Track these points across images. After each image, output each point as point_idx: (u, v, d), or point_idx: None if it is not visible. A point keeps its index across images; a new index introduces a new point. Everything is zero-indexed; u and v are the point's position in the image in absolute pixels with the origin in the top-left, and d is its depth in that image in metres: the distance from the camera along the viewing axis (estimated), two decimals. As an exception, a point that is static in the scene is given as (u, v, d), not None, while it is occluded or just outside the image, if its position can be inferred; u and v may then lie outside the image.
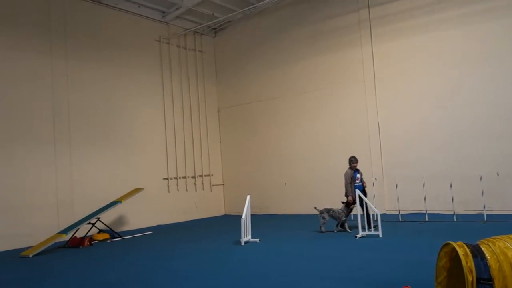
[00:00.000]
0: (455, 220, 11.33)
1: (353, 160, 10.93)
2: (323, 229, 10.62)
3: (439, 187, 12.43)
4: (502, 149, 11.95)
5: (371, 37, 14.49)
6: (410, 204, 13.10)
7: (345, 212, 10.63)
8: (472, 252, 3.94)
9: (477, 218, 11.33)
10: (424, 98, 13.45)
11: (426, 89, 13.43)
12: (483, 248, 4.01)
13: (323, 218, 10.61)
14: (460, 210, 11.99)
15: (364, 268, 6.76)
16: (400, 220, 12.16)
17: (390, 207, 13.67)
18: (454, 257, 4.35)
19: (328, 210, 10.68)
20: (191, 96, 17.30)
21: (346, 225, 10.73)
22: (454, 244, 4.08)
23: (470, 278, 3.76)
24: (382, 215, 11.07)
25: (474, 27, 12.62)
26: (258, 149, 17.36)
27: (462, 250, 3.96)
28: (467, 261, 3.84)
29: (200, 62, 17.88)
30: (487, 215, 11.10)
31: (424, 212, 12.16)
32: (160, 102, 16.15)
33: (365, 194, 10.60)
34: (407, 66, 13.83)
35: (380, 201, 13.37)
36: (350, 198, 10.63)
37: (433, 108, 13.26)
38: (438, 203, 12.63)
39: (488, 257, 3.88)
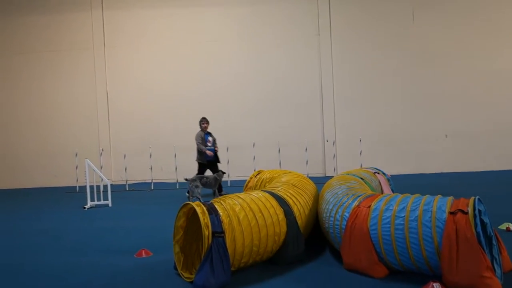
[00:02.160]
0: (177, 187, 12.22)
1: (203, 121, 10.21)
2: (199, 196, 9.18)
3: (163, 158, 13.17)
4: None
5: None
6: (136, 174, 13.40)
7: (220, 178, 9.76)
8: (208, 210, 4.33)
9: (196, 185, 12.54)
10: (153, 73, 13.87)
11: (155, 64, 13.89)
12: (216, 206, 4.47)
13: (196, 186, 9.21)
14: (181, 179, 13.01)
15: (99, 237, 6.55)
16: (127, 189, 12.29)
17: (117, 177, 13.65)
18: (190, 216, 4.70)
19: (200, 178, 9.43)
20: None
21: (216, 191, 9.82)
22: (193, 204, 4.39)
23: (206, 233, 4.13)
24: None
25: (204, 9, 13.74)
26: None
27: (200, 208, 4.30)
28: (204, 218, 4.21)
29: None
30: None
31: (150, 181, 12.65)
32: None
33: (217, 159, 10.26)
34: (138, 35, 13.93)
35: (108, 171, 13.18)
36: (208, 152, 9.89)
37: (162, 83, 13.84)
38: (162, 172, 13.37)
39: (221, 213, 4.36)
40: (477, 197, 4.03)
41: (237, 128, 13.62)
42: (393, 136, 13.46)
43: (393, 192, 6.93)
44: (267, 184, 6.83)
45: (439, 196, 4.27)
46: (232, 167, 12.61)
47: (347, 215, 4.59)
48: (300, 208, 5.20)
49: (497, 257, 4.09)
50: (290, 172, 6.98)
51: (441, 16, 13.47)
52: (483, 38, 13.35)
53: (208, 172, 10.01)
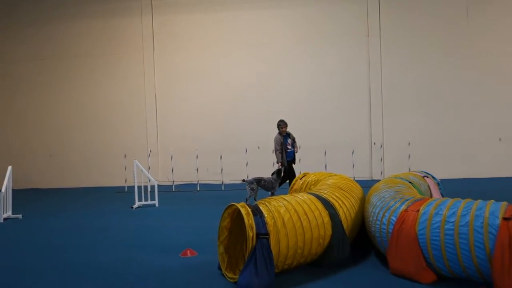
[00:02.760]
0: (223, 189, 12.39)
1: (281, 124, 9.84)
2: (255, 198, 8.94)
3: (210, 159, 13.40)
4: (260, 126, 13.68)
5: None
6: (183, 175, 13.71)
7: (277, 180, 9.52)
8: (252, 211, 4.37)
9: (241, 186, 12.65)
10: (202, 76, 14.18)
11: (204, 67, 14.18)
12: (261, 207, 4.51)
13: (252, 189, 9.07)
14: (227, 180, 13.19)
15: (146, 236, 6.76)
16: (173, 190, 12.59)
17: (164, 178, 14.02)
18: (235, 217, 4.76)
19: (258, 180, 9.27)
20: None
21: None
22: (238, 205, 4.45)
23: (251, 234, 4.18)
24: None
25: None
26: (20, 115, 15.29)
27: (244, 210, 4.36)
28: (249, 219, 4.25)
29: None
30: (249, 184, 12.55)
31: (196, 182, 12.90)
32: None
33: (294, 160, 10.01)
34: (188, 40, 14.28)
35: (155, 172, 13.57)
36: (280, 164, 9.67)
37: (211, 86, 14.12)
38: (208, 174, 13.60)
39: (266, 215, 4.39)
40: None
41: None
42: (443, 139, 13.01)
43: (443, 197, 6.72)
44: (312, 186, 6.80)
45: (492, 201, 4.11)
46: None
47: (394, 219, 4.50)
48: (346, 211, 5.14)
49: (555, 266, 3.87)
50: (336, 175, 6.92)
51: (497, 13, 12.91)
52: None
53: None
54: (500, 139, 12.90)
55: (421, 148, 12.74)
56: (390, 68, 13.32)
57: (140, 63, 14.38)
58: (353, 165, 12.10)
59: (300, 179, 7.46)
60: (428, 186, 6.83)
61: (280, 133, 9.80)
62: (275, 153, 9.80)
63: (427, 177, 7.06)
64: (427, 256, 4.14)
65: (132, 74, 14.49)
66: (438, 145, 12.95)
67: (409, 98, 13.22)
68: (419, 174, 7.12)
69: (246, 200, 8.80)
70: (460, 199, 4.35)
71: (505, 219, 3.77)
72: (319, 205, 4.87)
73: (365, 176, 13.12)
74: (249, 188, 9.07)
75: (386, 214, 4.64)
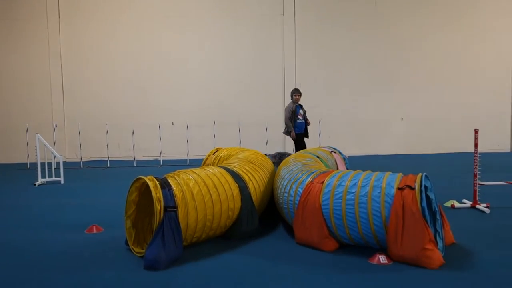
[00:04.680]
0: (135, 165, 12.01)
1: (295, 93, 9.48)
2: None
3: (121, 135, 12.89)
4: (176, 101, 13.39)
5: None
6: (92, 151, 13.07)
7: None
8: (161, 184, 4.27)
9: (154, 163, 12.38)
10: (114, 46, 13.46)
11: (116, 37, 13.45)
12: (169, 180, 4.42)
13: (274, 163, 8.42)
14: (139, 157, 12.81)
15: (49, 214, 6.35)
16: (82, 167, 11.96)
17: (71, 155, 13.27)
18: (143, 191, 4.63)
19: (282, 155, 8.94)
20: None
21: None
22: (145, 178, 4.32)
23: (158, 207, 4.08)
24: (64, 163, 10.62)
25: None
26: None
27: (152, 183, 4.24)
28: (157, 192, 4.15)
29: None
30: (162, 160, 12.29)
31: (106, 159, 12.37)
32: None
33: (307, 134, 9.57)
34: (97, 7, 13.42)
35: (61, 148, 12.79)
36: (292, 133, 9.26)
37: (124, 57, 13.45)
38: (120, 150, 13.10)
39: (174, 188, 4.31)
40: (424, 173, 4.17)
41: (197, 106, 13.47)
42: (352, 118, 13.69)
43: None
44: (224, 161, 6.82)
45: (389, 172, 4.39)
46: (192, 145, 12.53)
47: (300, 190, 4.64)
48: (256, 184, 5.22)
49: (440, 231, 4.26)
50: (248, 150, 6.99)
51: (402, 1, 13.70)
52: (445, 22, 13.67)
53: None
54: (402, 119, 13.85)
55: (332, 126, 13.29)
56: (304, 48, 13.62)
57: (44, 29, 13.27)
58: (267, 142, 12.33)
59: (213, 154, 7.45)
60: (335, 160, 7.15)
61: (293, 102, 9.45)
62: (285, 121, 9.40)
63: (334, 152, 7.38)
64: (330, 225, 4.35)
65: (36, 41, 13.34)
66: (347, 123, 13.60)
67: (321, 77, 13.67)
68: (327, 149, 7.42)
69: None
70: (361, 171, 4.60)
71: (399, 189, 4.05)
72: (229, 178, 4.88)
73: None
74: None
75: (294, 186, 4.77)
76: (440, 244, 4.19)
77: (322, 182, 4.50)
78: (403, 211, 3.94)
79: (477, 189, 6.09)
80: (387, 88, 13.78)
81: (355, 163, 9.71)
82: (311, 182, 4.60)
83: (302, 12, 13.58)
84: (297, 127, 9.35)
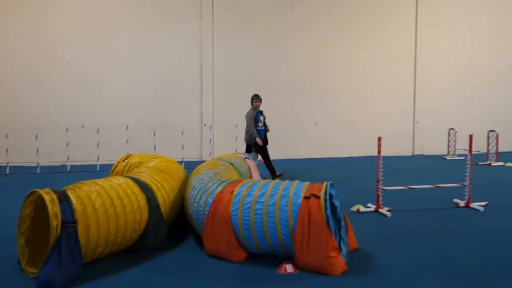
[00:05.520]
0: (38, 172, 11.18)
1: (255, 99, 9.30)
2: None
3: (23, 139, 11.96)
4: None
5: None
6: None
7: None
8: (58, 198, 3.96)
9: (61, 169, 11.62)
10: (22, 40, 12.45)
11: (24, 32, 12.46)
12: (69, 193, 4.12)
13: None
14: (45, 162, 11.96)
15: None
16: (-24, 174, 10.89)
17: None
18: (39, 205, 4.27)
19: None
20: None
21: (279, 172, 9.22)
22: (41, 191, 3.99)
23: (55, 223, 3.78)
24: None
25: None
26: None
27: (48, 196, 3.92)
28: (53, 207, 3.84)
29: None
30: (70, 165, 11.57)
31: (5, 164, 11.38)
32: None
33: (266, 141, 9.41)
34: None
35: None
36: (258, 139, 9.05)
37: (22, 54, 12.49)
38: (22, 155, 12.13)
39: (74, 201, 4.02)
40: (330, 182, 4.29)
41: (109, 109, 12.88)
42: (269, 122, 13.87)
43: (262, 177, 7.15)
44: (135, 169, 6.54)
45: (297, 181, 4.46)
46: (102, 150, 11.94)
47: (210, 200, 4.57)
48: (165, 194, 5.06)
49: (344, 237, 4.42)
50: (160, 157, 6.77)
51: (318, 6, 14.15)
52: (358, 30, 14.38)
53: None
54: (315, 124, 14.33)
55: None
56: (222, 51, 13.60)
57: None
58: (183, 146, 12.11)
59: (123, 160, 7.12)
60: (249, 167, 7.19)
61: (253, 108, 9.36)
62: (250, 129, 9.24)
63: (248, 158, 7.42)
64: (239, 236, 4.32)
65: None
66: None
67: (239, 81, 13.72)
68: (241, 155, 7.43)
69: None
70: (270, 180, 4.63)
71: (305, 197, 4.12)
72: (136, 189, 4.68)
73: (195, 157, 13.27)
74: None
75: (203, 196, 4.69)
76: (344, 251, 4.34)
77: (232, 192, 4.47)
78: (309, 220, 4.02)
79: (380, 194, 6.43)
80: (303, 92, 14.19)
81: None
82: (221, 191, 4.55)
83: (220, 15, 13.54)
84: (258, 134, 9.30)
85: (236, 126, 12.32)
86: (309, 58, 14.21)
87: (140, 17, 13.17)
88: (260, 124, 9.36)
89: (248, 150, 9.46)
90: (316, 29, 14.22)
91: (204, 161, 10.98)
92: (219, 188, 4.62)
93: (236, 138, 12.38)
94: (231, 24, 13.68)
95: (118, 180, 4.73)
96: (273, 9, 13.93)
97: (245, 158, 7.39)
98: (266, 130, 9.54)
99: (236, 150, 11.90)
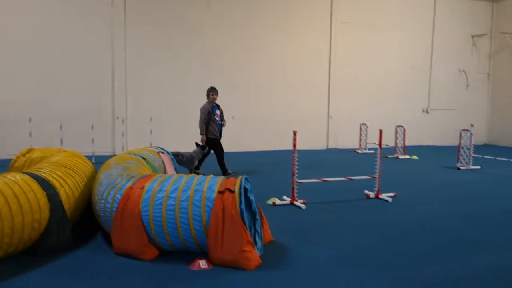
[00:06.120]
0: None
1: (212, 91, 8.95)
2: None
3: None
4: None
5: None
6: None
7: (199, 155, 8.58)
8: None
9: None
10: None
11: None
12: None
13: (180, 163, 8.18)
14: None
15: None
16: None
17: None
18: None
19: (175, 155, 7.99)
20: None
21: (199, 171, 8.70)
22: None
23: None
24: None
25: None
26: None
27: None
28: None
29: None
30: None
31: None
32: None
33: (220, 135, 9.05)
34: None
35: None
36: (202, 137, 8.73)
37: None
38: None
39: (-42, 201, 3.57)
40: (244, 176, 4.23)
41: (10, 99, 11.79)
42: (185, 117, 13.58)
43: (176, 171, 6.94)
44: (37, 164, 6.01)
45: (211, 175, 4.35)
46: (4, 144, 10.94)
47: (119, 197, 4.31)
48: (69, 190, 4.70)
49: (259, 230, 4.40)
50: (65, 151, 6.30)
51: (235, 2, 14.06)
52: (275, 28, 14.50)
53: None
54: (233, 118, 14.28)
55: (163, 124, 12.99)
56: (135, 42, 13.02)
57: None
58: (93, 140, 11.44)
59: (24, 155, 6.53)
60: (163, 161, 6.93)
61: (209, 102, 8.94)
62: (200, 124, 8.81)
63: (162, 152, 7.15)
64: (150, 233, 4.12)
65: None
66: (179, 122, 13.45)
67: (155, 75, 13.26)
68: (154, 149, 7.15)
69: None
70: (183, 174, 4.47)
71: (220, 192, 4.03)
72: (35, 186, 4.27)
73: (107, 151, 12.62)
74: None
75: (112, 192, 4.41)
76: (259, 244, 4.31)
77: (142, 188, 4.25)
78: (223, 214, 3.93)
79: (295, 187, 6.53)
80: (220, 87, 13.98)
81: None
82: (131, 187, 4.30)
83: (133, 4, 12.96)
84: (215, 129, 8.95)
85: (151, 119, 11.91)
86: (225, 54, 14.09)
87: (52, 7, 12.20)
88: (216, 118, 9.03)
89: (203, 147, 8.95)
90: (233, 25, 14.13)
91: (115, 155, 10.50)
92: (129, 184, 4.38)
93: (151, 132, 11.95)
94: (144, 15, 13.14)
95: (14, 177, 4.28)
96: (190, 3, 13.61)
97: (159, 152, 7.12)
98: (222, 124, 9.24)
99: (151, 144, 11.50)
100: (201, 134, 8.85)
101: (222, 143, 9.18)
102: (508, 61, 17.03)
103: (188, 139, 12.64)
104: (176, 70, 13.54)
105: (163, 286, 3.58)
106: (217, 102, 9.29)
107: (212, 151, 9.15)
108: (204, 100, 9.21)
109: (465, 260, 4.29)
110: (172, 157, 7.34)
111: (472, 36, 17.27)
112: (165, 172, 6.79)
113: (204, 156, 9.05)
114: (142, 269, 3.93)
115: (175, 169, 7.11)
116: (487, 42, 17.60)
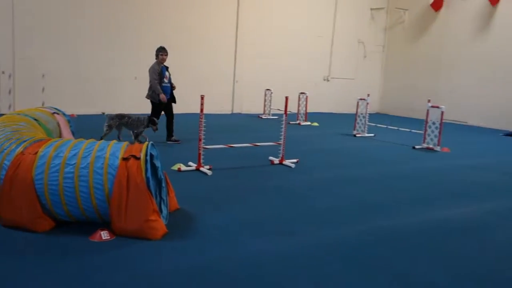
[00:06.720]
0: None
1: (161, 51, 8.45)
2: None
3: None
4: None
5: None
6: None
7: (145, 120, 8.10)
8: None
9: None
10: None
11: None
12: None
13: (109, 126, 7.89)
14: None
15: None
16: None
17: None
18: None
19: (121, 117, 7.99)
20: None
21: (144, 136, 8.20)
22: None
23: None
24: None
25: None
26: None
27: None
28: None
29: None
30: None
31: None
32: None
33: (173, 99, 8.75)
34: None
35: None
36: (162, 96, 8.30)
37: None
38: None
39: None
40: (150, 142, 4.05)
41: None
42: (83, 75, 12.60)
43: (74, 135, 6.45)
44: None
45: (114, 141, 4.10)
46: None
47: (7, 163, 3.88)
48: None
49: (165, 198, 4.28)
50: None
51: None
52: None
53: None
54: (135, 78, 13.59)
55: (58, 82, 11.96)
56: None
57: None
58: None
59: None
60: (58, 123, 6.37)
61: (158, 63, 8.43)
62: (153, 84, 8.32)
63: (57, 113, 6.57)
64: (45, 202, 3.79)
65: None
66: (78, 80, 12.46)
67: (43, 26, 12.00)
68: (48, 110, 6.53)
69: (101, 138, 7.39)
70: (83, 139, 4.15)
71: (124, 159, 3.81)
72: None
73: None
74: (106, 125, 7.93)
75: (-2, 158, 3.95)
76: (165, 212, 4.21)
77: (36, 153, 3.86)
78: (128, 183, 3.73)
79: (202, 153, 6.44)
80: (120, 45, 13.21)
81: (84, 125, 9.06)
82: (22, 153, 3.89)
83: None
84: (163, 91, 8.39)
85: (43, 76, 10.90)
86: (132, 11, 13.24)
87: None
88: (165, 80, 8.54)
89: (155, 110, 8.56)
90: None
91: (2, 115, 9.50)
92: (19, 149, 3.95)
93: (43, 90, 10.96)
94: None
95: None
96: None
97: (54, 113, 6.52)
98: (172, 87, 8.76)
99: (43, 104, 10.56)
100: (158, 93, 8.35)
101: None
102: (401, 35, 18.23)
103: (87, 100, 11.81)
104: (68, 20, 12.35)
105: (61, 260, 3.34)
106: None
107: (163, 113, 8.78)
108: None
109: (365, 222, 4.59)
110: (69, 118, 6.78)
111: (371, 9, 18.13)
112: (60, 136, 6.27)
113: (170, 123, 8.84)
114: (35, 242, 3.63)
115: (72, 133, 6.61)
116: (384, 16, 18.63)
